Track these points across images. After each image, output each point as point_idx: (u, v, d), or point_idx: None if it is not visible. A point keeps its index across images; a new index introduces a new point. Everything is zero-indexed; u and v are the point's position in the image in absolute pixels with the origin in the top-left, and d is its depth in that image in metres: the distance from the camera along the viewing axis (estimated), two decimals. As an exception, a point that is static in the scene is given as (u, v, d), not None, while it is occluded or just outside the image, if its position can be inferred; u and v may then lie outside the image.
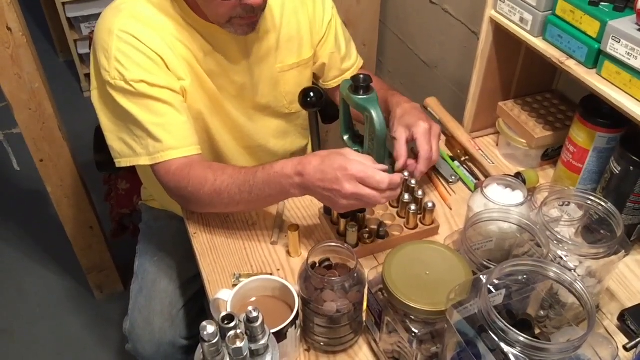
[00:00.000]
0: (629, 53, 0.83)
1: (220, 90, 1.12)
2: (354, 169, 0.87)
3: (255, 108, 1.19)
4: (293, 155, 1.33)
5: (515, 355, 0.59)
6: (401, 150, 1.04)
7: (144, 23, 1.01)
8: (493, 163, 1.18)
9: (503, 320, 0.60)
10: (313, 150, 1.28)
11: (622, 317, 0.89)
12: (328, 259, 0.86)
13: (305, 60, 1.21)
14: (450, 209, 1.11)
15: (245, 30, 1.03)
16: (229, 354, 0.65)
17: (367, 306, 0.83)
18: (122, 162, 1.06)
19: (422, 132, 1.03)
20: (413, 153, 1.06)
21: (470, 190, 1.14)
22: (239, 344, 0.64)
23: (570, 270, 0.80)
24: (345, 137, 1.25)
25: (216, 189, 0.99)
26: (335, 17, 1.24)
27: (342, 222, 1.01)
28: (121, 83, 1.00)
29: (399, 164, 1.03)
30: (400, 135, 1.05)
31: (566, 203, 0.90)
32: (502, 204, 0.89)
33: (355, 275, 0.81)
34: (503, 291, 0.69)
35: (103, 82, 1.02)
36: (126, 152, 1.05)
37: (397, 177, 0.90)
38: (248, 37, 1.10)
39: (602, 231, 0.86)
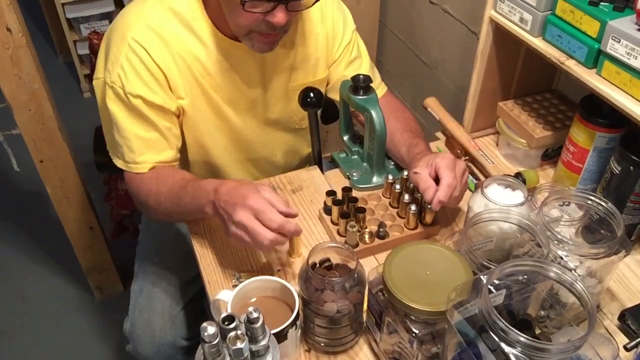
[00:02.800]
0: (628, 53, 0.83)
1: (230, 104, 1.12)
2: (253, 199, 0.86)
3: (266, 123, 1.19)
4: (297, 167, 1.33)
5: (515, 356, 0.59)
6: (427, 181, 0.95)
7: (158, 35, 1.02)
8: (493, 163, 1.18)
9: (503, 321, 0.60)
10: (313, 151, 1.29)
11: (622, 317, 0.89)
12: (328, 260, 0.86)
13: (320, 80, 1.20)
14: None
15: (263, 48, 1.01)
16: (229, 354, 0.65)
17: (368, 306, 0.83)
18: (111, 154, 1.11)
19: (445, 163, 0.95)
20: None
21: (471, 190, 1.14)
22: (239, 344, 0.64)
23: (570, 270, 0.80)
24: (345, 138, 1.25)
25: (157, 200, 1.03)
26: (356, 41, 1.21)
27: (343, 222, 1.01)
28: (119, 90, 1.02)
29: (428, 196, 0.94)
30: (422, 169, 0.97)
31: (566, 203, 0.90)
32: (502, 204, 0.89)
33: (356, 275, 0.81)
34: (503, 291, 0.69)
35: (104, 79, 1.04)
36: (111, 147, 1.10)
37: (291, 225, 0.86)
38: (265, 56, 1.09)
39: (602, 231, 0.86)
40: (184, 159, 1.19)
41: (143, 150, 1.05)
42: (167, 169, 1.07)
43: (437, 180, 0.96)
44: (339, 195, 1.07)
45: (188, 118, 1.10)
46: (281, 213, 0.87)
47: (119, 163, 1.08)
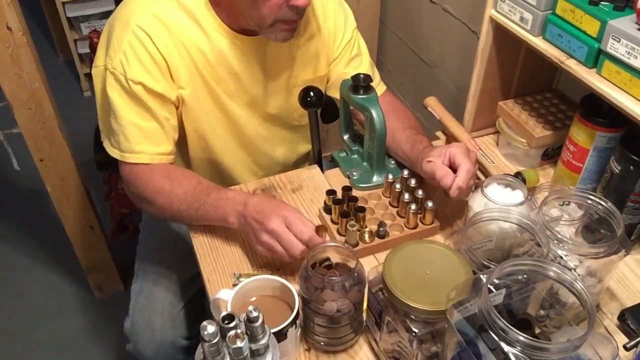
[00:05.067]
0: (629, 52, 0.83)
1: (231, 98, 1.12)
2: (286, 210, 0.90)
3: (265, 118, 1.19)
4: (296, 163, 1.33)
5: (515, 355, 0.59)
6: (443, 169, 0.95)
7: (162, 22, 1.01)
8: (493, 162, 1.17)
9: (503, 320, 0.60)
10: (313, 150, 1.28)
11: (622, 316, 0.89)
12: (328, 259, 0.86)
13: (320, 77, 1.20)
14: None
15: (286, 37, 1.01)
16: (229, 353, 0.65)
17: (368, 306, 0.83)
18: (104, 143, 1.10)
19: (461, 151, 0.96)
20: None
21: (470, 189, 1.14)
22: (239, 343, 0.64)
23: (570, 269, 0.80)
24: (345, 137, 1.25)
25: (169, 201, 1.02)
26: (356, 39, 1.21)
27: (342, 221, 1.01)
28: (120, 77, 1.01)
29: (447, 182, 0.94)
30: (436, 157, 0.98)
31: (566, 202, 0.90)
32: (502, 203, 0.89)
33: (356, 274, 0.81)
34: (503, 291, 0.69)
35: (105, 66, 1.03)
36: (106, 136, 1.09)
37: (318, 239, 0.89)
38: (267, 51, 1.10)
39: (602, 230, 0.86)
40: (185, 155, 1.19)
41: (140, 140, 1.04)
42: (178, 169, 1.06)
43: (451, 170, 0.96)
44: (339, 195, 1.07)
45: (189, 108, 1.10)
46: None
47: (114, 153, 1.06)
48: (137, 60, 1.00)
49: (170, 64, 1.03)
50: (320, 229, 0.94)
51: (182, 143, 1.15)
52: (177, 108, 1.09)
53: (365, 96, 1.09)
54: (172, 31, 1.02)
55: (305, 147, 1.33)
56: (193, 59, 1.05)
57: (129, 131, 1.03)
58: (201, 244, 1.04)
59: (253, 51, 1.09)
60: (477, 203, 0.93)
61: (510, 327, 0.59)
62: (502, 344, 0.60)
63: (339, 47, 1.19)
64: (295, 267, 0.98)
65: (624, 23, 0.84)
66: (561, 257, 0.81)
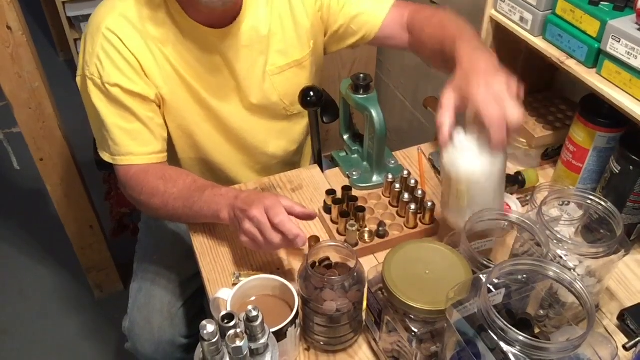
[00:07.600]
0: (629, 52, 0.83)
1: (211, 92, 1.12)
2: (268, 199, 0.89)
3: (251, 110, 1.18)
4: (295, 157, 1.33)
5: (514, 355, 0.60)
6: (442, 117, 0.81)
7: (133, 25, 1.02)
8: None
9: (503, 320, 0.60)
10: (313, 150, 1.28)
11: (621, 316, 0.89)
12: (328, 258, 0.86)
13: (297, 61, 1.18)
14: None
15: None
16: (228, 353, 0.65)
17: (367, 305, 0.83)
18: (99, 151, 1.10)
19: (480, 99, 0.79)
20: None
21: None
22: (238, 343, 0.64)
23: (569, 269, 0.80)
24: (345, 137, 1.25)
25: (164, 201, 1.02)
26: None
27: (342, 221, 1.01)
28: (97, 81, 1.02)
29: (442, 136, 0.81)
30: (448, 99, 0.83)
31: (566, 202, 0.90)
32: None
33: (355, 274, 0.81)
34: (503, 290, 0.69)
35: (84, 73, 1.04)
36: (99, 142, 1.10)
37: (290, 225, 0.86)
38: (240, 41, 1.09)
39: (601, 230, 0.86)
40: (173, 157, 1.19)
41: (127, 142, 1.04)
42: (173, 169, 1.07)
43: None
44: (339, 194, 1.07)
45: (170, 107, 1.09)
46: (298, 213, 0.90)
47: (106, 157, 1.07)
48: (111, 63, 1.01)
49: (143, 64, 1.03)
50: (312, 239, 0.95)
51: (169, 145, 1.14)
52: (159, 107, 1.09)
53: (365, 96, 1.09)
54: (142, 31, 1.02)
55: (302, 137, 1.31)
56: (167, 57, 1.05)
57: (115, 135, 1.04)
58: (201, 243, 1.04)
59: (227, 43, 1.08)
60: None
61: (510, 326, 0.59)
62: (502, 344, 0.60)
63: (327, 9, 1.16)
64: (295, 267, 0.99)
65: (623, 23, 0.84)
66: (561, 257, 0.81)
